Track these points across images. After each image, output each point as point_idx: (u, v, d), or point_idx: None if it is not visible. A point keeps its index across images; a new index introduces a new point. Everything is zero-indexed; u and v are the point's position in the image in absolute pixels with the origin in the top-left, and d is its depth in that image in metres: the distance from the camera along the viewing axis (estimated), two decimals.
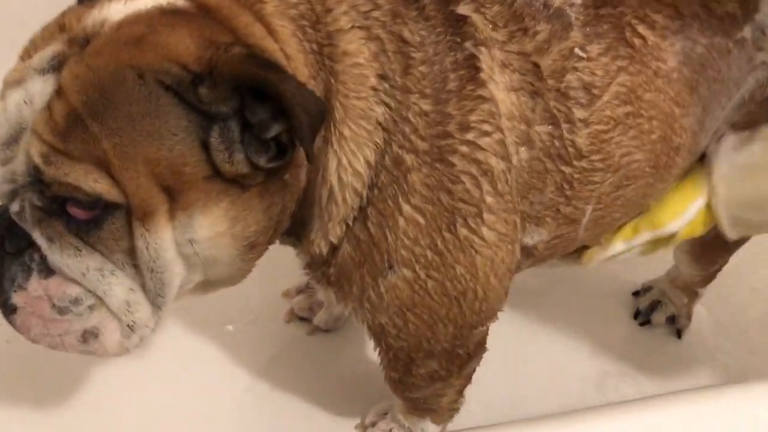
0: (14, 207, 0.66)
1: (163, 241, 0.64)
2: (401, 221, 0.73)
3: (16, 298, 0.67)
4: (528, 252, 0.82)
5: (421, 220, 0.73)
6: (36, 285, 0.66)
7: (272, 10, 0.68)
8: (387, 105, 0.70)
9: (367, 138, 0.70)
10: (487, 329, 0.85)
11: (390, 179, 0.71)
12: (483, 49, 0.72)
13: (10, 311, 0.68)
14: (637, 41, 0.77)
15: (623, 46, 0.76)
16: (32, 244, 0.66)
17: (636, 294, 1.26)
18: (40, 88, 0.63)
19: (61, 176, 0.61)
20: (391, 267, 0.75)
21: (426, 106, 0.71)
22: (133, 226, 0.63)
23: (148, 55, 0.62)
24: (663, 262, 1.22)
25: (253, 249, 0.69)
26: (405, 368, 0.85)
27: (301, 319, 1.16)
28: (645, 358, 1.18)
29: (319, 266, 0.79)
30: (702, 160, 0.90)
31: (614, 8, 0.76)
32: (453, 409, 0.96)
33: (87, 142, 0.61)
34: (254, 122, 0.63)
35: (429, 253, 0.74)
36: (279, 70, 0.63)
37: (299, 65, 0.67)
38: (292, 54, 0.67)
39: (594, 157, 0.77)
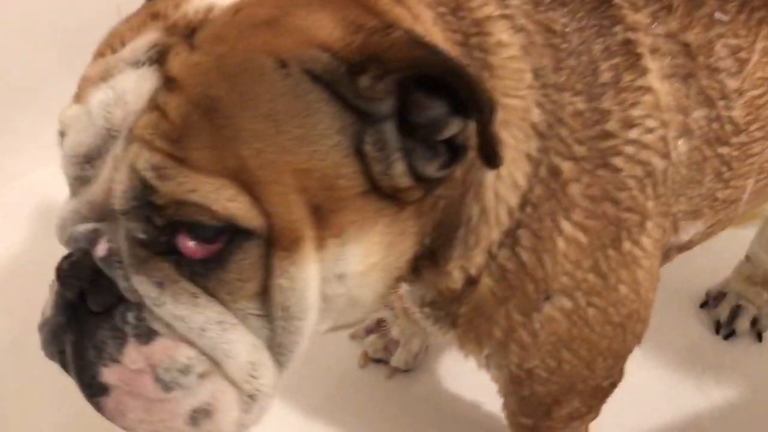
0: (100, 251, 0.52)
1: (309, 278, 0.51)
2: (560, 243, 0.63)
3: (108, 375, 0.52)
4: (681, 248, 0.75)
5: (583, 239, 0.63)
6: (134, 354, 0.51)
7: None
8: (542, 106, 0.61)
9: (525, 145, 0.60)
10: None
11: (546, 194, 0.62)
12: (637, 33, 0.64)
13: (98, 392, 0.52)
14: None
15: None
16: (122, 300, 0.52)
17: (705, 305, 1.17)
18: (135, 83, 0.51)
19: (182, 193, 0.48)
20: (548, 298, 0.64)
21: (580, 104, 0.62)
22: (273, 260, 0.50)
23: (287, 40, 0.51)
24: (713, 268, 1.18)
25: (398, 283, 0.59)
26: (544, 413, 0.76)
27: (376, 361, 1.08)
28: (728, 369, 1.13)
29: (444, 305, 0.67)
30: None
31: None
32: None
33: (217, 148, 0.49)
34: (423, 121, 0.52)
35: (591, 277, 0.65)
36: (453, 57, 0.52)
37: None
38: (439, 44, 0.57)
39: (752, 128, 0.71)
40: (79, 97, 0.53)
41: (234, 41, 0.51)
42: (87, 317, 0.52)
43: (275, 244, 0.50)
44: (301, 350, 0.55)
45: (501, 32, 0.60)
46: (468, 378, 1.01)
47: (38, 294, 0.59)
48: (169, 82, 0.50)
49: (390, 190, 0.53)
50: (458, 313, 0.66)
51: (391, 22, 0.53)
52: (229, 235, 0.50)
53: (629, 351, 0.73)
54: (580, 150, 0.62)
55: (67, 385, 0.56)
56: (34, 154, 1.22)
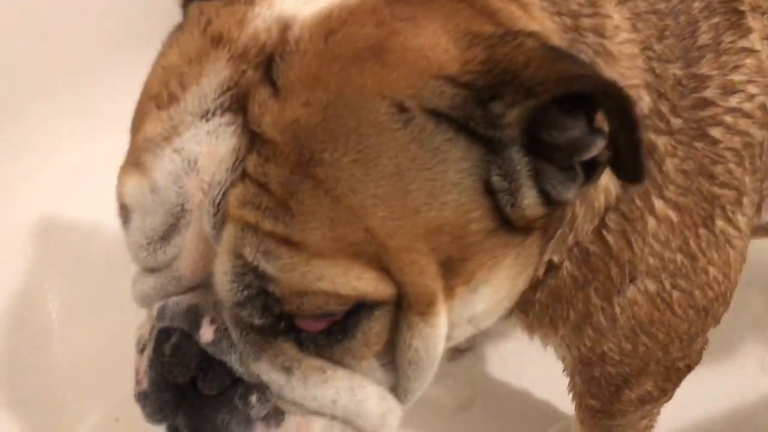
0: (205, 335, 0.46)
1: (442, 331, 0.47)
2: (651, 222, 0.59)
3: None
4: (758, 230, 0.72)
5: (675, 217, 0.59)
6: None
7: None
8: (649, 87, 0.56)
9: None
10: None
11: None
12: None
13: None
14: None
15: None
16: (239, 381, 0.47)
17: None
18: (209, 144, 0.43)
19: (309, 284, 0.42)
20: (633, 280, 0.60)
21: (677, 70, 0.57)
22: (404, 323, 0.46)
23: (400, 73, 0.43)
24: None
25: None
26: (614, 395, 0.73)
27: None
28: None
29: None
30: None
31: None
32: (648, 427, 0.85)
33: (339, 223, 0.42)
34: (562, 143, 0.46)
35: (679, 258, 0.61)
36: (590, 65, 0.47)
37: None
38: (549, 35, 0.50)
39: None
40: (137, 164, 0.45)
41: (338, 84, 0.43)
42: (200, 399, 0.48)
43: (408, 309, 0.46)
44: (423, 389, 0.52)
45: (614, 12, 0.54)
46: (522, 360, 1.02)
47: None
48: (261, 145, 0.42)
49: (520, 222, 0.48)
50: (533, 299, 0.62)
51: (506, 25, 0.47)
52: (354, 307, 0.45)
53: (706, 332, 0.70)
54: (676, 122, 0.58)
55: None
56: None
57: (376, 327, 0.46)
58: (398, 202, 0.43)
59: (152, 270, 0.47)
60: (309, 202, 0.42)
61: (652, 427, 0.85)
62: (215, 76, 0.44)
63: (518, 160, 0.46)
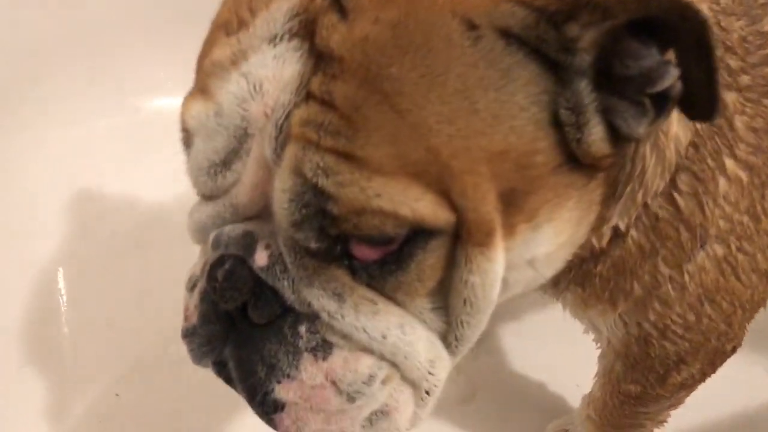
0: (259, 259, 0.46)
1: (499, 269, 0.46)
2: (722, 183, 0.56)
3: (284, 392, 0.47)
4: None
5: (744, 177, 0.57)
6: (312, 369, 0.47)
7: None
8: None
9: None
10: None
11: (710, 131, 0.55)
12: None
13: (273, 410, 0.48)
14: None
15: None
16: (288, 310, 0.47)
17: None
18: (275, 67, 0.43)
19: (365, 200, 0.41)
20: (702, 245, 0.58)
21: (742, 25, 0.56)
22: (462, 256, 0.45)
23: None
24: None
25: (574, 256, 0.53)
26: (659, 379, 0.71)
27: None
28: None
29: (576, 264, 0.59)
30: None
31: None
32: (662, 422, 0.84)
33: (401, 140, 0.41)
34: (635, 73, 0.44)
35: (746, 219, 0.58)
36: None
37: None
38: None
39: None
40: (203, 90, 0.45)
41: (407, 2, 0.42)
42: (249, 329, 0.48)
43: (467, 239, 0.44)
44: (475, 339, 0.50)
45: None
46: (524, 354, 1.02)
47: None
48: (327, 64, 0.42)
49: (586, 159, 0.46)
50: (594, 272, 0.60)
51: None
52: (410, 233, 0.44)
53: (764, 303, 0.68)
54: (744, 79, 0.56)
55: None
56: None
57: (430, 259, 0.45)
58: (463, 121, 0.42)
59: (210, 198, 0.47)
60: (374, 116, 0.41)
61: (664, 421, 0.84)
62: (285, 2, 0.44)
63: (587, 93, 0.45)
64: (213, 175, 0.46)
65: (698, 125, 0.55)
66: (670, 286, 0.60)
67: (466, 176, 0.43)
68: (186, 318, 0.51)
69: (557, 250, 0.49)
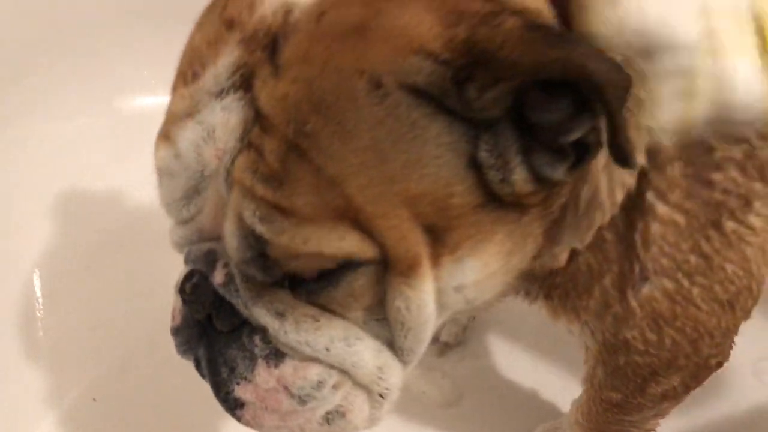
0: (217, 277, 0.52)
1: (426, 295, 0.49)
2: (655, 226, 0.58)
3: (242, 392, 0.53)
4: None
5: (682, 221, 0.58)
6: (265, 375, 0.52)
7: None
8: None
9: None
10: None
11: (642, 176, 0.57)
12: None
13: (234, 407, 0.54)
14: None
15: None
16: (246, 322, 0.52)
17: None
18: (223, 116, 0.47)
19: (298, 246, 0.46)
20: (646, 279, 0.60)
21: None
22: (389, 283, 0.49)
23: (381, 50, 0.45)
24: None
25: (518, 279, 0.55)
26: (638, 387, 0.71)
27: None
28: None
29: (537, 279, 0.62)
30: None
31: None
32: (649, 430, 0.83)
33: (321, 190, 0.45)
34: (546, 123, 0.46)
35: (692, 258, 0.59)
36: (576, 42, 0.45)
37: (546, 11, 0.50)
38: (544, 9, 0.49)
39: None
40: (166, 135, 0.50)
41: (322, 61, 0.45)
42: (216, 334, 0.53)
43: (391, 269, 0.48)
44: (424, 349, 0.54)
45: None
46: (512, 356, 1.01)
47: None
48: (260, 118, 0.46)
49: (510, 198, 0.48)
50: (554, 283, 0.62)
51: (492, 4, 0.46)
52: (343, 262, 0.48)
53: (738, 326, 0.67)
54: None
55: None
56: None
57: (360, 280, 0.49)
58: (375, 171, 0.45)
59: (181, 223, 0.53)
60: (295, 171, 0.45)
61: (653, 429, 0.83)
62: (228, 57, 0.48)
63: (506, 136, 0.47)
64: (178, 208, 0.51)
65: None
66: (619, 307, 0.62)
67: (382, 219, 0.46)
68: (173, 317, 0.57)
69: (488, 279, 0.51)
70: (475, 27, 0.44)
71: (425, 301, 0.49)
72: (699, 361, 0.68)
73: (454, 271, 0.49)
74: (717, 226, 0.59)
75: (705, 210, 0.58)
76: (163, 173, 0.51)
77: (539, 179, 0.48)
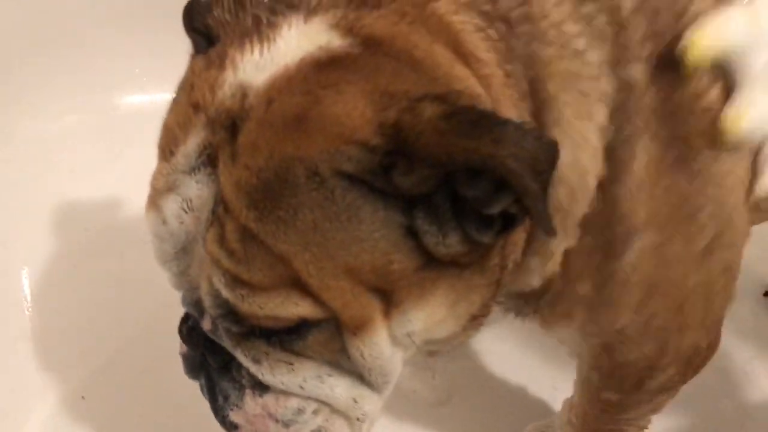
0: (205, 325, 0.58)
1: (379, 345, 0.55)
2: (637, 168, 0.60)
3: (235, 417, 0.61)
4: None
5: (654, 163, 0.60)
6: (252, 404, 0.60)
7: (445, 6, 0.55)
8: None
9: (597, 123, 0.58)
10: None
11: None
12: None
13: (230, 428, 0.62)
14: None
15: None
16: (235, 358, 0.59)
17: None
18: (197, 189, 0.53)
19: (256, 310, 0.52)
20: (632, 237, 0.62)
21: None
22: (344, 337, 0.54)
23: (316, 140, 0.49)
24: None
25: (476, 320, 0.59)
26: (636, 384, 0.73)
27: None
28: None
29: (524, 298, 0.66)
30: None
31: None
32: (643, 427, 0.84)
33: (274, 266, 0.51)
34: (470, 198, 0.50)
35: (665, 208, 0.62)
36: (489, 128, 0.47)
37: (500, 87, 0.55)
38: (491, 70, 0.55)
39: None
40: (154, 203, 0.55)
41: (268, 150, 0.50)
42: (212, 370, 0.61)
43: (342, 328, 0.53)
44: (395, 378, 0.59)
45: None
46: (502, 356, 1.01)
47: None
48: (224, 203, 0.51)
49: (447, 258, 0.53)
50: (542, 298, 0.65)
51: (429, 73, 0.51)
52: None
53: (726, 291, 0.69)
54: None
55: None
56: None
57: (323, 334, 0.55)
58: (317, 249, 0.50)
59: (174, 275, 0.58)
60: (250, 249, 0.51)
61: (645, 427, 0.84)
62: (195, 138, 0.53)
63: (440, 206, 0.51)
64: (170, 265, 0.57)
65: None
66: (613, 284, 0.64)
67: (327, 290, 0.51)
68: (181, 345, 0.64)
69: (436, 325, 0.56)
70: (402, 112, 0.48)
71: (380, 348, 0.55)
72: (690, 343, 0.70)
73: (403, 322, 0.54)
74: (685, 165, 0.61)
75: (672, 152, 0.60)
76: (155, 236, 0.56)
77: (471, 242, 0.52)
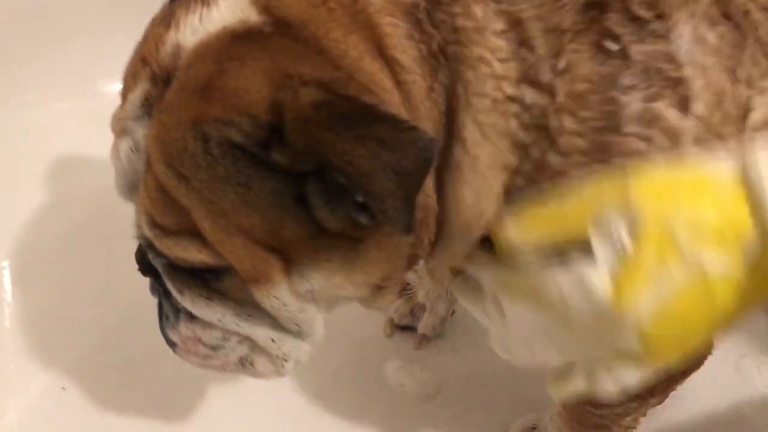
0: (150, 255, 0.63)
1: (281, 299, 0.60)
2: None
3: (173, 336, 0.68)
4: None
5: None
6: (184, 328, 0.66)
7: (380, 5, 0.56)
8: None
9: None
10: None
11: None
12: None
13: (170, 344, 0.69)
14: None
15: None
16: None
17: None
18: (142, 135, 0.58)
19: (166, 249, 0.58)
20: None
21: None
22: (248, 286, 0.59)
23: (215, 109, 0.53)
24: None
25: (382, 289, 0.63)
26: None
27: (403, 329, 1.02)
28: None
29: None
30: None
31: None
32: (629, 428, 0.83)
33: (179, 216, 0.56)
34: (336, 182, 0.52)
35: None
36: (356, 123, 0.49)
37: (421, 97, 0.56)
38: (413, 78, 0.56)
39: None
40: (114, 143, 0.61)
41: (179, 111, 0.54)
42: (160, 292, 0.67)
43: (244, 279, 0.58)
44: (317, 326, 0.64)
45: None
46: (490, 350, 1.00)
47: None
48: (146, 150, 0.57)
49: (339, 231, 0.56)
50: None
51: (335, 62, 0.53)
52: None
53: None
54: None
55: None
56: None
57: (233, 279, 0.60)
58: (211, 206, 0.54)
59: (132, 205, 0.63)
60: (162, 201, 0.56)
61: (634, 428, 0.83)
62: (140, 89, 0.57)
63: (327, 181, 0.52)
64: (126, 196, 0.62)
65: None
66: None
67: (224, 244, 0.56)
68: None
69: (335, 288, 0.60)
70: (286, 93, 0.51)
71: (282, 301, 0.60)
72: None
73: (301, 281, 0.59)
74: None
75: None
76: (114, 171, 0.62)
77: (354, 220, 0.54)
